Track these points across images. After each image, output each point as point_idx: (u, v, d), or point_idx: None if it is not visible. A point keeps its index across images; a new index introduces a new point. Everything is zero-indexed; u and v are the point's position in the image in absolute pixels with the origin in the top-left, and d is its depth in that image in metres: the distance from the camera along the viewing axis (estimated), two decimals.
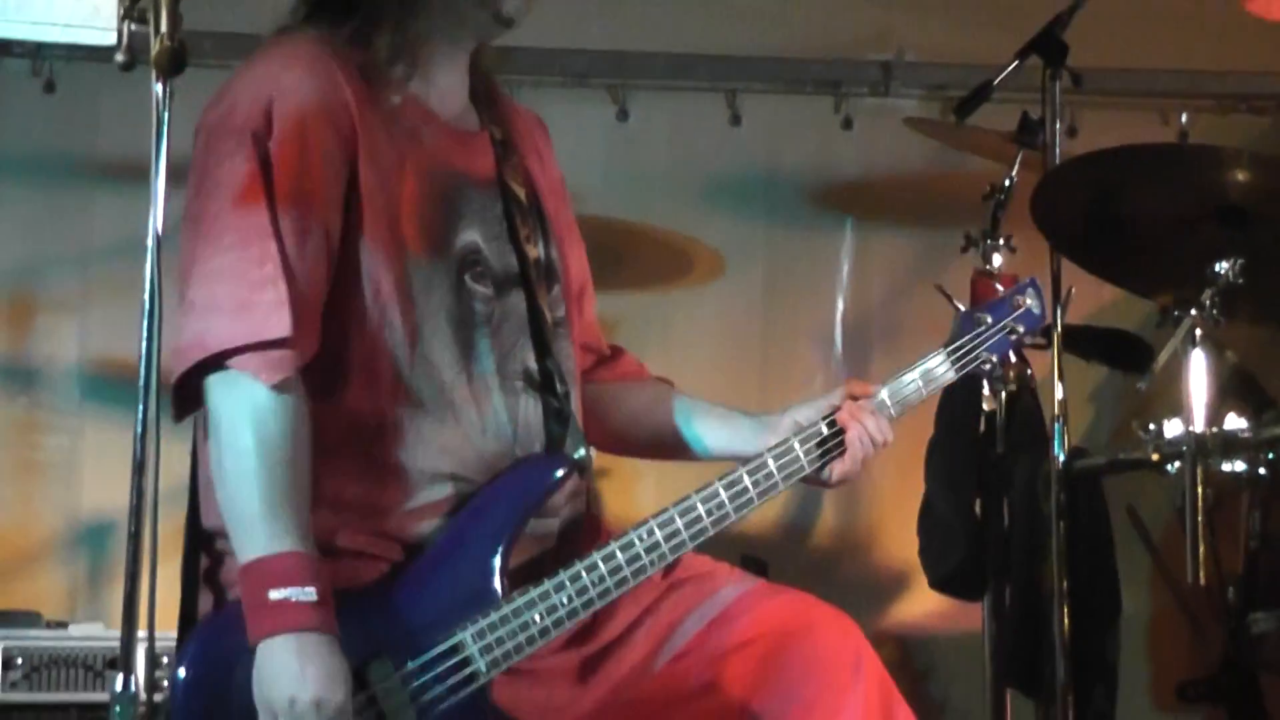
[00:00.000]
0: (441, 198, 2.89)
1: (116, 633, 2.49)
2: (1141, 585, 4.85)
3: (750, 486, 2.90)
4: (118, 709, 2.44)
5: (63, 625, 3.72)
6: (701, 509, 2.87)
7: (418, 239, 2.85)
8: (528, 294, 2.96)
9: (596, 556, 2.83)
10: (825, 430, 2.96)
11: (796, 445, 2.94)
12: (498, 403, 2.88)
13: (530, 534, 2.87)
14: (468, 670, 2.76)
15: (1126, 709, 4.53)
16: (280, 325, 2.70)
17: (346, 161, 2.81)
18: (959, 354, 3.07)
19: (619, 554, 2.83)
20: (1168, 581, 4.66)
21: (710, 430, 3.12)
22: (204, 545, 2.85)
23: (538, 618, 2.79)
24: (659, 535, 2.85)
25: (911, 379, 3.02)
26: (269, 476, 2.70)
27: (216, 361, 2.69)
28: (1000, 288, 3.21)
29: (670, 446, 3.16)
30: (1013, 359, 3.23)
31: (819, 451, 2.95)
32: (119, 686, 2.43)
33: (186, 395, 2.74)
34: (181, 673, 2.72)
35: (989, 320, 3.09)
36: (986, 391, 4.37)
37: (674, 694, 2.94)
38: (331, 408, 2.81)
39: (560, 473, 2.90)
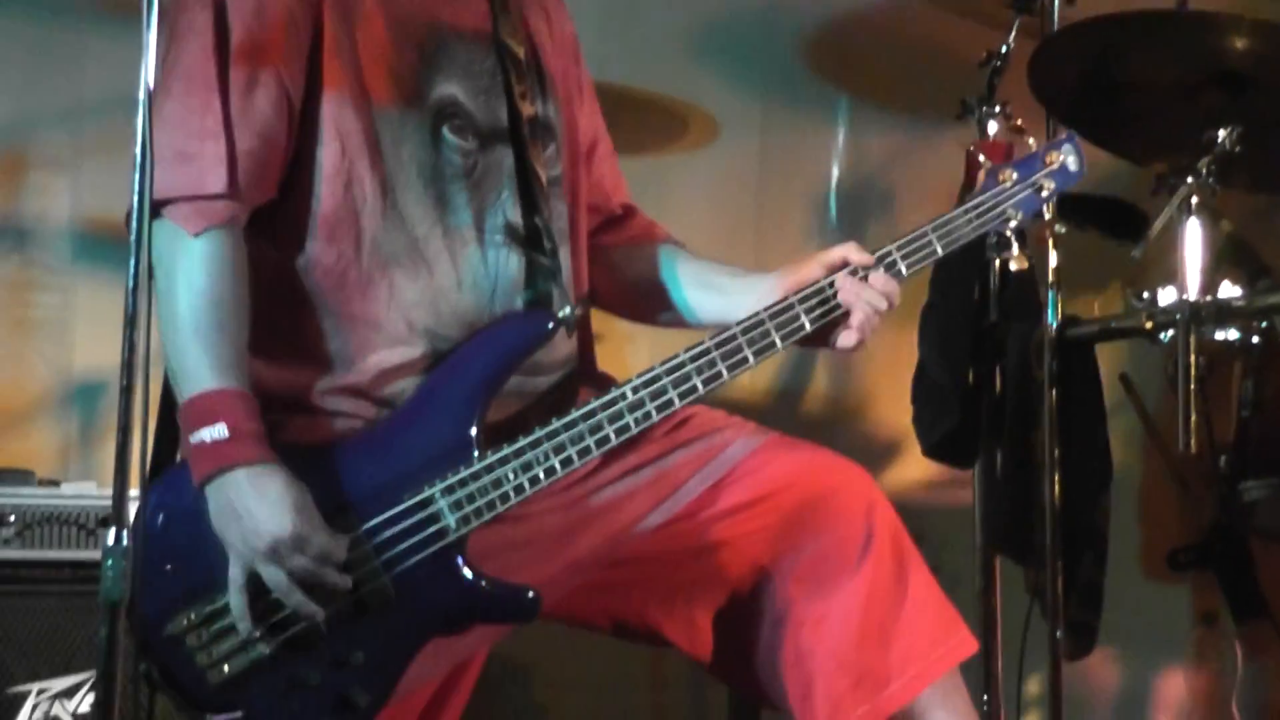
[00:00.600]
0: (416, 48, 2.87)
1: (109, 491, 2.49)
2: (1132, 453, 4.88)
3: (745, 345, 2.87)
4: (109, 561, 2.45)
5: (55, 484, 3.72)
6: (691, 367, 2.84)
7: (386, 90, 2.84)
8: (517, 150, 2.94)
9: (576, 415, 2.81)
10: (827, 289, 2.92)
11: (797, 305, 2.91)
12: (474, 256, 2.87)
13: (516, 391, 2.87)
14: (436, 526, 2.75)
15: (1116, 576, 4.52)
16: (216, 181, 2.73)
17: (311, 13, 2.79)
18: (979, 210, 3.03)
19: (600, 413, 2.81)
20: (1159, 449, 4.67)
21: (715, 298, 3.09)
22: None
23: (511, 475, 2.78)
24: (645, 394, 2.83)
25: (926, 237, 2.98)
26: (194, 322, 2.71)
27: (156, 209, 2.67)
28: (984, 158, 3.15)
29: (679, 313, 3.15)
30: (1047, 215, 3.18)
31: (820, 311, 2.92)
32: (111, 540, 2.44)
33: None
34: (149, 513, 2.74)
35: (1014, 176, 3.06)
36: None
37: (672, 553, 2.96)
38: (304, 261, 2.82)
39: (541, 330, 2.88)
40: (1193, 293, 3.84)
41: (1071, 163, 3.10)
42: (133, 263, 2.49)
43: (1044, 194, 3.07)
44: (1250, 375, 4.07)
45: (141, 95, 2.51)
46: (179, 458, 2.82)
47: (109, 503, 2.52)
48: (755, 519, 2.95)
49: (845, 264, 2.94)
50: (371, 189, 2.82)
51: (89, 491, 3.65)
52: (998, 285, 4.39)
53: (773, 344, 2.89)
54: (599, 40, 4.70)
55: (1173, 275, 3.90)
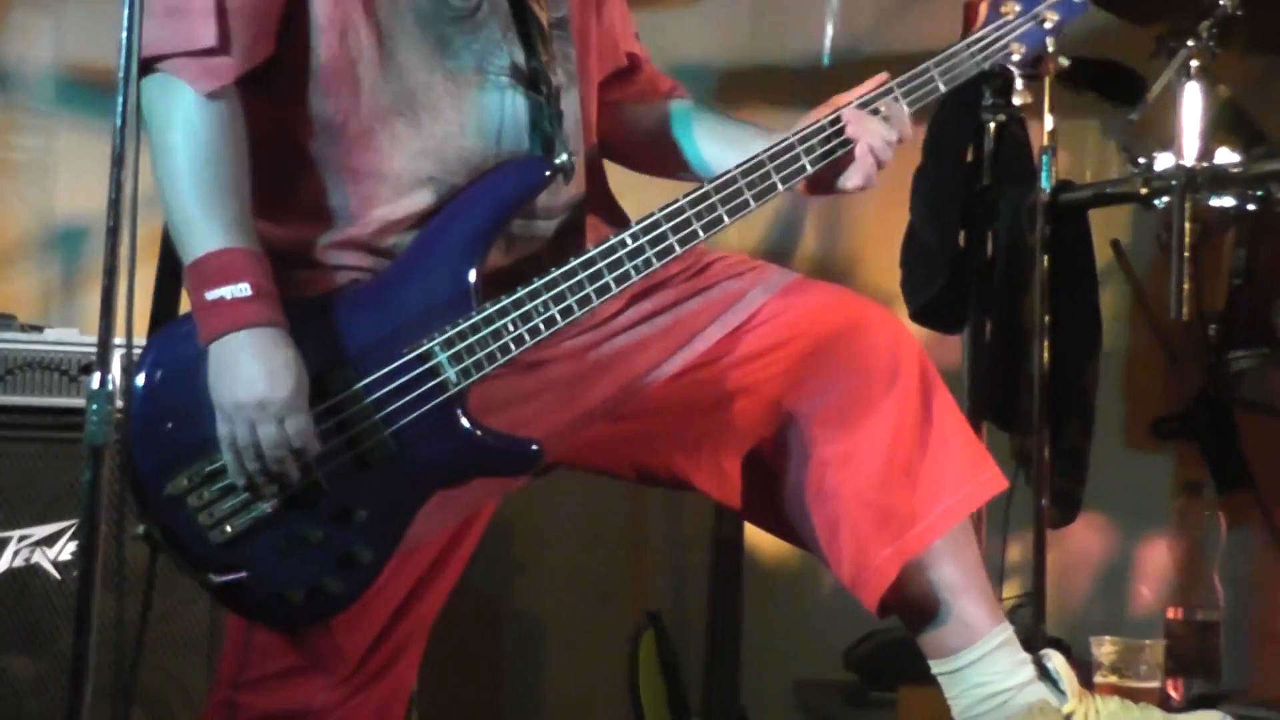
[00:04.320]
0: None
1: (91, 338, 2.47)
2: (1121, 321, 4.88)
3: (745, 188, 2.83)
4: (94, 406, 2.43)
5: (38, 329, 3.71)
6: (691, 213, 2.81)
7: None
8: None
9: (575, 263, 2.78)
10: (829, 128, 2.88)
11: (797, 145, 2.86)
12: (478, 99, 2.81)
13: (519, 236, 2.84)
14: (436, 380, 2.73)
15: (1100, 444, 4.55)
16: (206, 35, 2.67)
17: None
18: (980, 43, 2.98)
19: (599, 260, 2.78)
20: (1148, 317, 4.68)
21: (731, 152, 2.98)
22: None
23: (511, 326, 2.75)
24: (644, 240, 2.79)
25: (928, 72, 2.93)
26: (197, 177, 2.67)
27: (148, 65, 2.64)
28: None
29: (694, 169, 3.09)
30: (1050, 48, 3.14)
31: (821, 150, 2.87)
32: (95, 384, 2.43)
33: None
34: (140, 379, 2.71)
35: (1017, 9, 3.00)
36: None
37: (694, 401, 2.95)
38: (303, 116, 2.78)
39: (538, 177, 2.83)
40: (1189, 158, 3.84)
41: None
42: (120, 101, 2.46)
43: (1048, 26, 3.03)
44: (1244, 243, 4.07)
45: None
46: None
47: (92, 349, 2.50)
48: (777, 363, 2.93)
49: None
50: (368, 38, 2.77)
51: (71, 337, 3.64)
52: (991, 148, 4.39)
53: (772, 186, 2.85)
54: None
55: (1169, 140, 3.89)
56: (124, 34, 2.47)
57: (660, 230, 2.80)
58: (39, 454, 3.58)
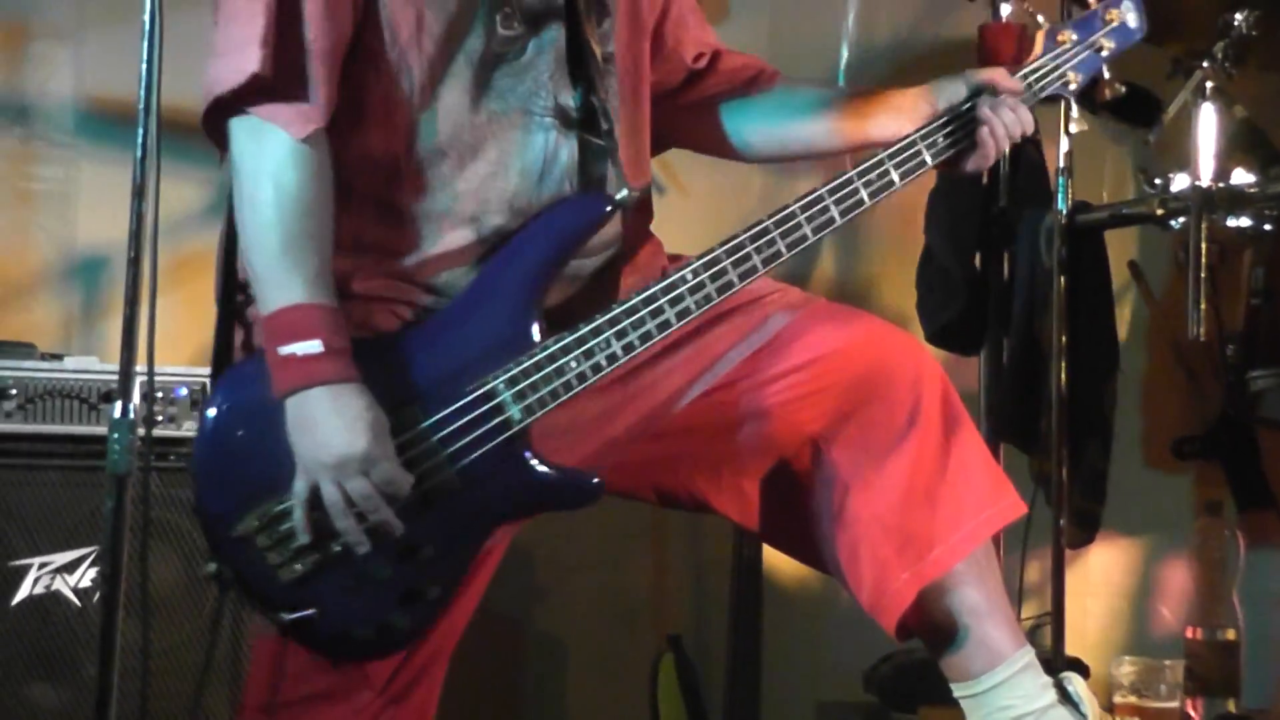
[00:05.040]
0: None
1: (112, 366, 2.51)
2: (1139, 341, 4.89)
3: (804, 222, 2.84)
4: (115, 435, 2.45)
5: (58, 358, 3.73)
6: (751, 247, 2.81)
7: None
8: (571, 27, 2.88)
9: (636, 299, 2.78)
10: (906, 150, 2.89)
11: (856, 179, 2.86)
12: (521, 140, 2.83)
13: (568, 274, 2.84)
14: (500, 417, 2.73)
15: (1120, 465, 4.57)
16: (251, 60, 2.64)
17: None
18: (1036, 73, 3.02)
19: (661, 296, 2.78)
20: (1166, 337, 4.69)
21: (851, 122, 3.04)
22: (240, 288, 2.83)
23: (573, 363, 2.75)
24: (705, 276, 2.79)
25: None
26: (284, 231, 2.67)
27: (238, 106, 2.65)
28: (1042, 22, 3.13)
29: (810, 145, 3.13)
30: (1106, 75, 3.16)
31: (946, 143, 2.92)
32: (117, 413, 2.45)
33: (216, 135, 2.72)
34: (207, 422, 2.72)
35: (1074, 37, 3.03)
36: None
37: (714, 424, 2.96)
38: (350, 151, 2.78)
39: (598, 213, 2.84)
40: (1205, 179, 3.84)
41: (1131, 19, 3.08)
42: (140, 133, 2.50)
43: (1104, 54, 3.05)
44: (1261, 263, 4.08)
45: None
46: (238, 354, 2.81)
47: (112, 378, 2.52)
48: (797, 386, 2.94)
49: (986, 87, 2.94)
50: (418, 79, 2.79)
51: (92, 366, 3.66)
52: (1008, 170, 4.40)
53: (831, 219, 2.85)
54: None
55: (1185, 161, 3.90)
56: (144, 66, 2.49)
57: (721, 265, 2.80)
58: (59, 482, 3.59)
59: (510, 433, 2.73)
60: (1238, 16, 3.84)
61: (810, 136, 3.10)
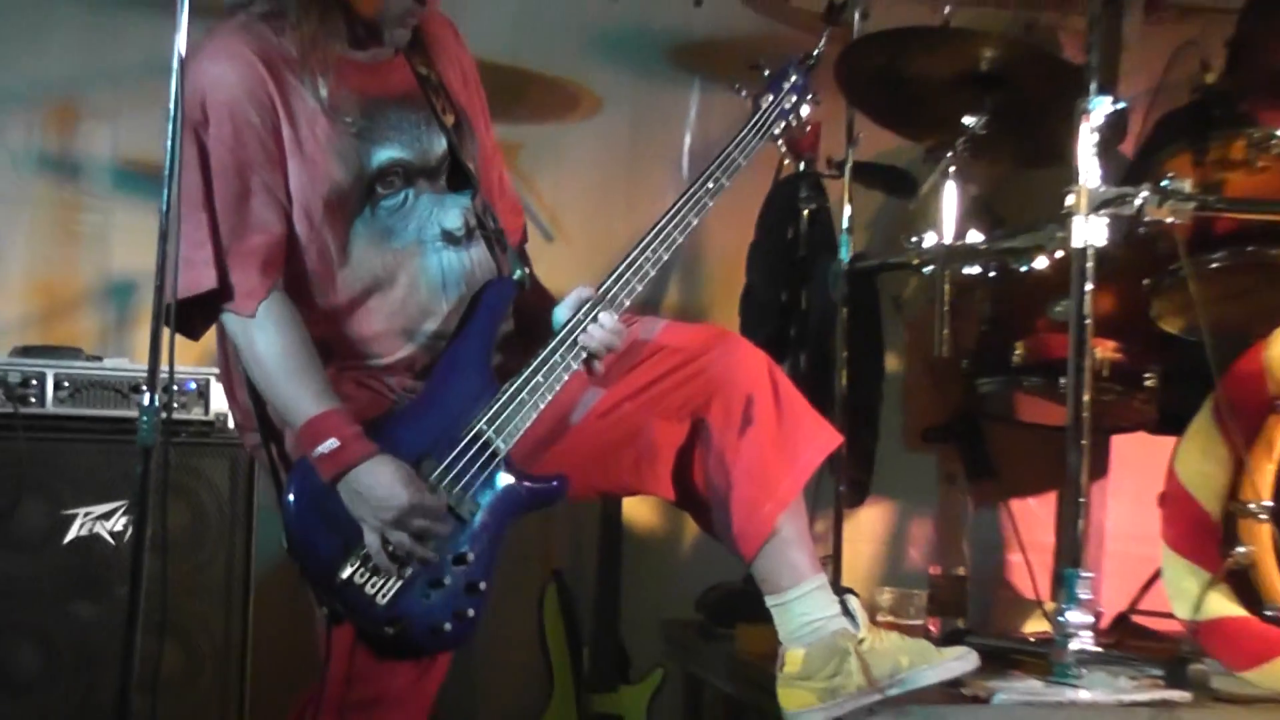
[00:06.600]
0: (354, 130, 2.82)
1: (140, 365, 2.48)
2: (900, 355, 4.89)
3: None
4: (144, 417, 2.44)
5: (98, 358, 3.69)
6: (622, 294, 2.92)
7: (336, 171, 2.80)
8: (452, 153, 2.91)
9: (555, 340, 2.85)
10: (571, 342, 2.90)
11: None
12: (423, 265, 2.87)
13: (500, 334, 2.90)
14: (490, 450, 2.78)
15: (884, 445, 4.59)
16: (208, 279, 2.71)
17: (273, 127, 2.75)
18: (756, 126, 3.14)
19: (566, 339, 2.86)
20: (920, 353, 4.70)
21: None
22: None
23: (527, 395, 2.81)
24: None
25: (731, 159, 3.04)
26: (282, 369, 2.73)
27: (203, 303, 2.72)
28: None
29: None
30: (805, 113, 3.26)
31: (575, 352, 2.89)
32: (145, 400, 2.43)
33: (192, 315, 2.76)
34: (290, 498, 2.73)
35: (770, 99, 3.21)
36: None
37: (618, 435, 2.99)
38: (307, 304, 2.82)
39: (511, 292, 2.92)
40: (949, 238, 3.87)
41: (797, 78, 3.27)
42: (165, 192, 2.47)
43: (787, 106, 3.21)
44: (988, 300, 4.09)
45: (174, 61, 2.49)
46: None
47: (140, 373, 2.48)
48: (670, 385, 2.96)
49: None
50: (335, 247, 2.82)
51: (125, 365, 3.63)
52: (806, 229, 4.41)
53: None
54: (514, 32, 4.68)
55: (935, 224, 3.92)
56: (169, 139, 2.47)
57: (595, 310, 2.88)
58: (99, 451, 3.58)
59: (500, 458, 2.79)
60: (972, 119, 3.89)
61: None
